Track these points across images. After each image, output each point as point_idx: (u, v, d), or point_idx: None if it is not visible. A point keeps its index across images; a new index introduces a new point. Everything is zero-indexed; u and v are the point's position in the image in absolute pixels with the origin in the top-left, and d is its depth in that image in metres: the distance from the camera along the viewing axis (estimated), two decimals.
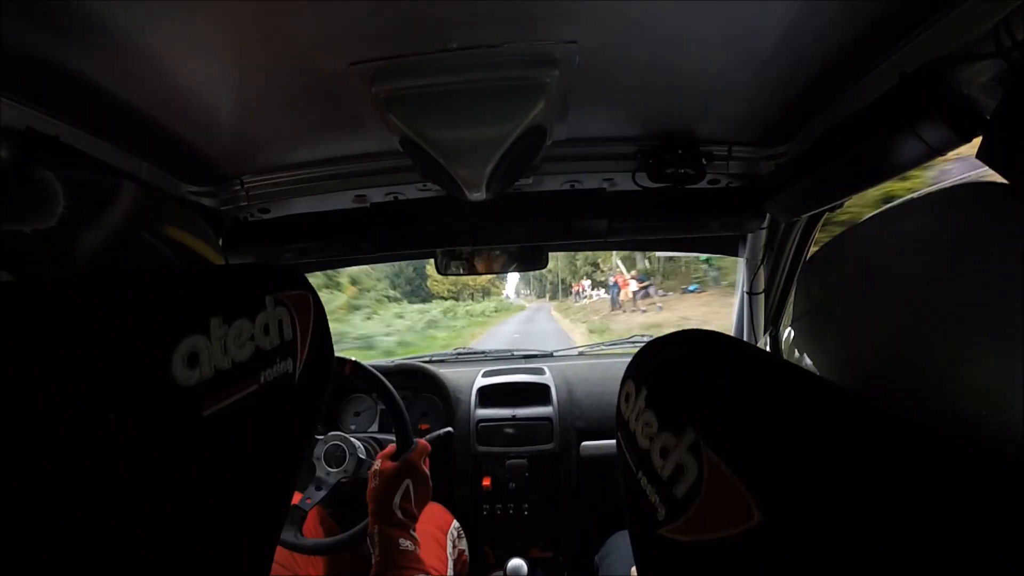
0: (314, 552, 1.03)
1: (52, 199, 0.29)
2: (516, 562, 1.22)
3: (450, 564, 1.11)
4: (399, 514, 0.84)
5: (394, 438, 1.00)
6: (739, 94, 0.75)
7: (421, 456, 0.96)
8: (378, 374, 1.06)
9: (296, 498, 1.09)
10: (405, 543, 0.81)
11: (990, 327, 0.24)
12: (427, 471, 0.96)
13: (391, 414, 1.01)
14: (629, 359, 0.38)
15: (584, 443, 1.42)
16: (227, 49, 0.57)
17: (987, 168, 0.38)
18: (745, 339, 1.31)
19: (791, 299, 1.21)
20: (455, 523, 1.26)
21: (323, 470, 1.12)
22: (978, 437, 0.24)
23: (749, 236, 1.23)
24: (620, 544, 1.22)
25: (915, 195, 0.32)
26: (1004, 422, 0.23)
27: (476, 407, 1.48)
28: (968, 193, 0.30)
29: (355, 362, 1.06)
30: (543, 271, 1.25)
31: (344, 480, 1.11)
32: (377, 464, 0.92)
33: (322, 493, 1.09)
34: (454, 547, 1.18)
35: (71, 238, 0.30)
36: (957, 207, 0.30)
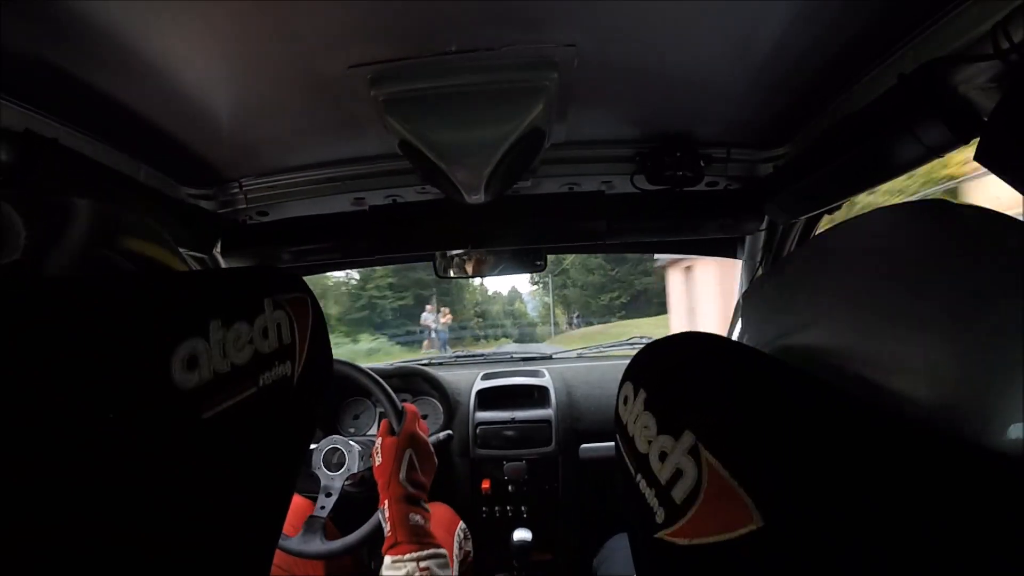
0: (332, 556, 1.03)
1: (14, 231, 0.29)
2: (522, 532, 1.26)
3: (456, 565, 1.11)
4: (408, 487, 0.84)
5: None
6: (737, 96, 0.75)
7: (414, 422, 0.95)
8: (347, 361, 1.06)
9: (308, 508, 1.10)
10: (416, 517, 0.81)
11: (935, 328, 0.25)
12: (425, 436, 0.95)
13: (374, 390, 1.01)
14: (628, 361, 0.37)
15: (583, 445, 1.42)
16: (226, 51, 0.57)
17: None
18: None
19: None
20: (461, 524, 1.26)
21: (326, 476, 1.12)
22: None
23: (748, 238, 1.23)
24: (617, 547, 1.21)
25: (875, 209, 0.34)
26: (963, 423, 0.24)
27: (475, 410, 1.48)
28: (929, 207, 0.31)
29: None
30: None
31: (348, 482, 1.12)
32: (378, 443, 0.92)
33: (333, 499, 1.10)
34: (460, 548, 1.18)
35: (35, 266, 0.30)
36: (913, 218, 0.31)
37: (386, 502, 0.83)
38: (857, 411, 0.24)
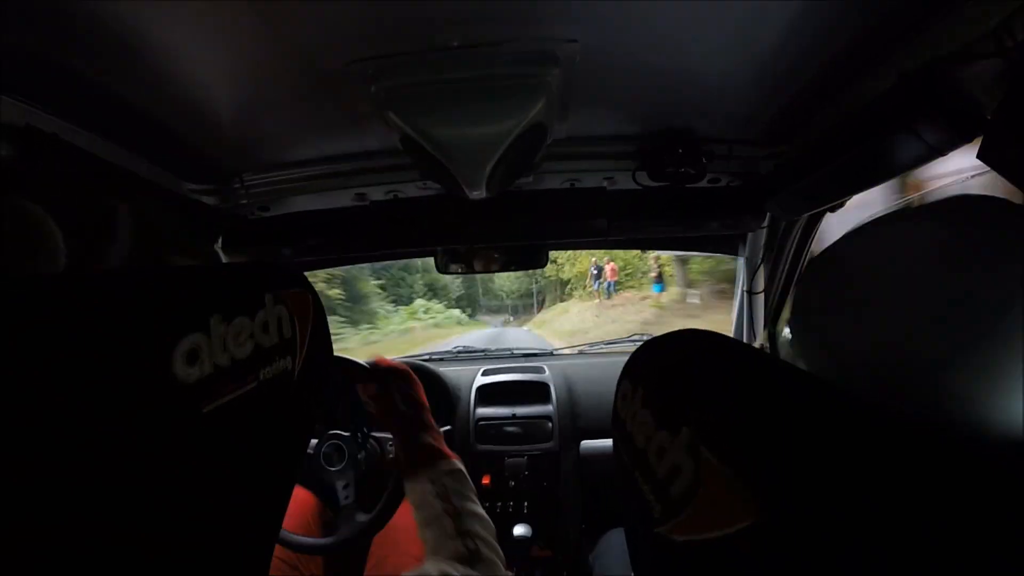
0: (317, 552, 1.02)
1: (55, 249, 0.28)
2: (521, 528, 1.28)
3: None
4: (407, 409, 0.82)
5: (391, 436, 0.99)
6: (740, 93, 0.75)
7: (380, 362, 0.90)
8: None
9: (309, 501, 1.08)
10: (424, 437, 0.78)
11: (988, 336, 0.24)
12: (391, 361, 0.91)
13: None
14: (628, 357, 0.38)
15: (584, 442, 1.42)
16: (227, 47, 0.57)
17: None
18: (744, 338, 1.32)
19: (791, 298, 1.21)
20: None
21: (326, 471, 1.12)
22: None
23: (749, 235, 1.23)
24: (612, 544, 1.22)
25: (911, 204, 0.33)
26: (991, 428, 0.23)
27: (476, 405, 1.49)
28: (968, 204, 0.29)
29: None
30: None
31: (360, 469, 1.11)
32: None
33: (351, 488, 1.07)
34: None
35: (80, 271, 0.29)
36: (957, 216, 0.30)
37: (393, 436, 0.81)
38: (855, 408, 0.24)
